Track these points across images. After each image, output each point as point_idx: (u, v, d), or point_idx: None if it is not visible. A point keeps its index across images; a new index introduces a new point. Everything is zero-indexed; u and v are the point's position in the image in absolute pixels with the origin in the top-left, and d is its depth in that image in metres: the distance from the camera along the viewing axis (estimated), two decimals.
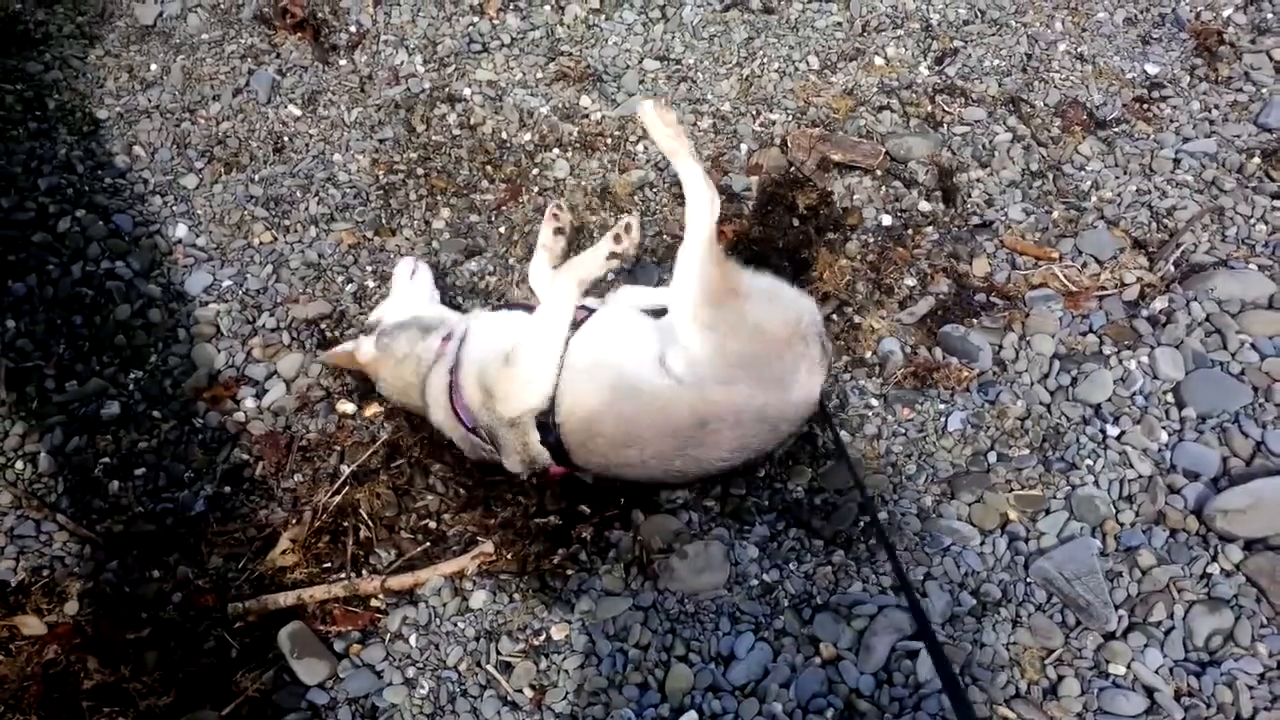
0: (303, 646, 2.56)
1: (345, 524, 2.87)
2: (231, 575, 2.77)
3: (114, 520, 2.92)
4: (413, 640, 2.60)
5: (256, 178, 3.89)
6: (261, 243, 3.67)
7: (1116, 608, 2.51)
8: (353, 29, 4.48)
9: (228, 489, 2.99)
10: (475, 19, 4.48)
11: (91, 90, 4.21)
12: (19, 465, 3.02)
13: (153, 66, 4.31)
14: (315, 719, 2.46)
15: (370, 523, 2.88)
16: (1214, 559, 2.55)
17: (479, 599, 2.66)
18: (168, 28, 4.49)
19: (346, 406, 3.18)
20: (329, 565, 2.79)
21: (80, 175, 3.80)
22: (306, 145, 4.03)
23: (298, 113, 4.15)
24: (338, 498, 2.91)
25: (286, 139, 4.05)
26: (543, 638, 2.61)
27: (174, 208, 3.77)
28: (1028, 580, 2.57)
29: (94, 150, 3.94)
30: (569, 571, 2.74)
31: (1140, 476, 2.77)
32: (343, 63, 4.36)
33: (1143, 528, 2.66)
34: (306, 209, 3.76)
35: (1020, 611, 2.52)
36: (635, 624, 2.57)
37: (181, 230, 3.68)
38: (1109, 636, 2.47)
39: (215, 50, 4.36)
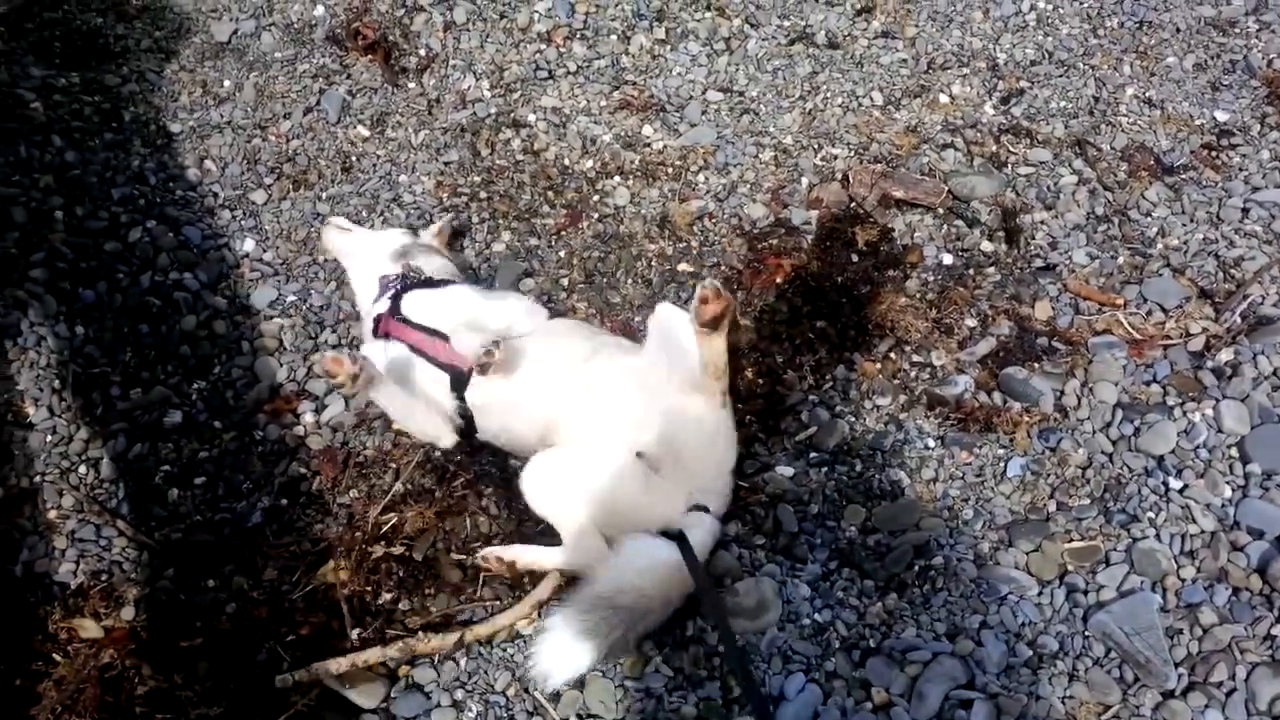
0: (352, 678, 2.56)
1: (398, 542, 2.89)
2: (285, 588, 2.79)
3: (172, 528, 2.96)
4: (462, 664, 2.61)
5: (324, 196, 3.95)
6: (326, 260, 3.71)
7: (1176, 665, 2.45)
8: (422, 52, 4.54)
9: (284, 502, 3.03)
10: (542, 46, 4.53)
11: (166, 104, 4.30)
12: (82, 470, 3.07)
13: (226, 83, 4.40)
14: None
15: (423, 544, 2.89)
16: (1278, 620, 2.49)
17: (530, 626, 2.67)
18: (242, 45, 4.58)
19: None
20: (380, 584, 2.80)
21: (152, 187, 3.87)
22: (374, 165, 4.09)
23: (366, 133, 4.21)
24: (393, 515, 2.93)
25: (354, 159, 4.11)
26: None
27: (242, 222, 3.84)
28: (1086, 633, 2.53)
29: (166, 163, 4.02)
30: None
31: (1203, 532, 2.71)
32: (411, 85, 4.43)
33: (1204, 584, 2.61)
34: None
35: (1077, 665, 2.47)
36: (684, 657, 2.56)
37: (249, 245, 3.75)
38: (1168, 695, 2.42)
39: (288, 69, 4.44)
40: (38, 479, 3.00)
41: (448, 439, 3.09)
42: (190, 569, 2.85)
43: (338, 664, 2.60)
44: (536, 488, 2.77)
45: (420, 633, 2.68)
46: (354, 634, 2.67)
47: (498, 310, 3.09)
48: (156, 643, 2.67)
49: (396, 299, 3.15)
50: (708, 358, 2.70)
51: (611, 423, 2.80)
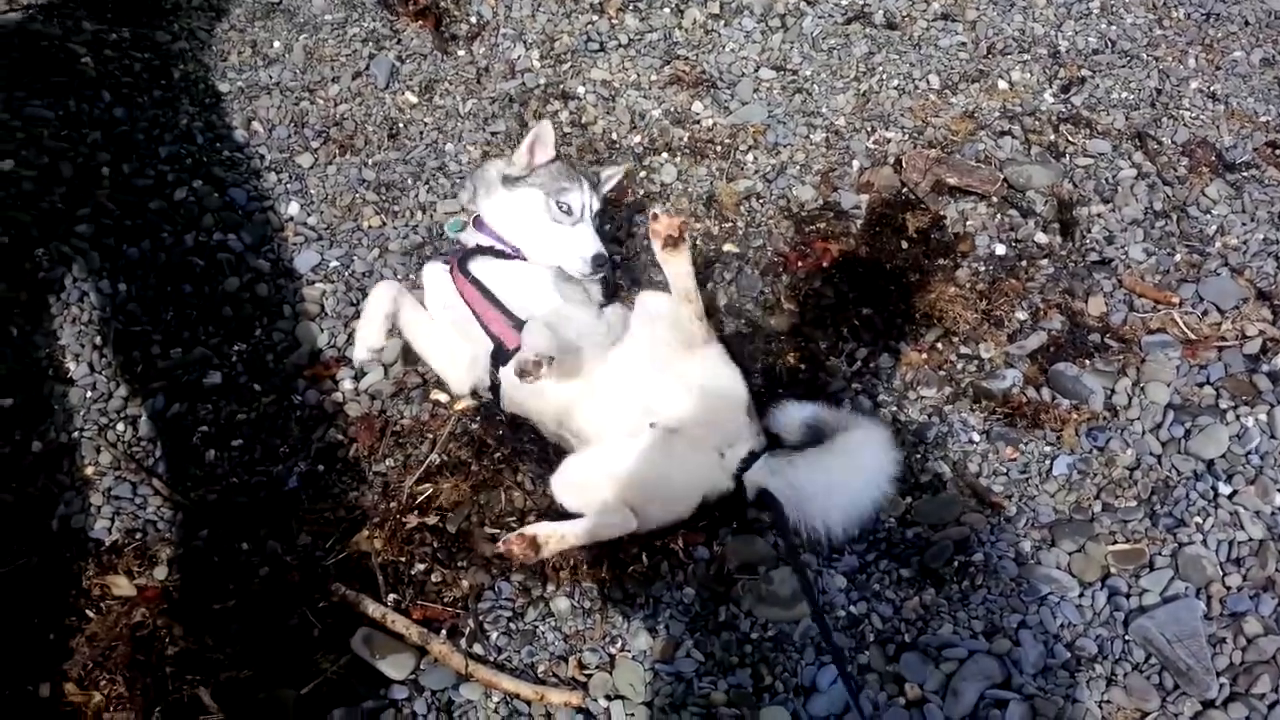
0: (381, 648, 2.55)
1: (432, 513, 2.87)
2: (319, 554, 2.79)
3: (208, 489, 2.95)
4: (492, 638, 2.60)
5: (370, 162, 3.93)
6: (370, 226, 3.70)
7: (1218, 675, 2.40)
8: (473, 20, 4.50)
9: (320, 467, 3.01)
10: (594, 18, 4.47)
11: (215, 63, 4.28)
12: (120, 427, 3.07)
13: (276, 44, 4.38)
14: (392, 708, 2.46)
15: (457, 516, 2.87)
16: None
17: (561, 604, 2.65)
18: (292, 6, 4.56)
19: (440, 396, 3.19)
20: (413, 555, 2.79)
21: (199, 146, 3.86)
22: (420, 133, 4.05)
23: (414, 100, 4.18)
24: (427, 486, 2.92)
25: (401, 125, 4.08)
26: (619, 645, 2.59)
27: (288, 185, 3.82)
28: (1126, 638, 2.48)
29: (214, 122, 4.00)
30: (651, 584, 2.71)
31: (1251, 539, 2.66)
32: (461, 53, 4.39)
33: (1250, 593, 2.55)
34: (416, 196, 3.78)
35: (1116, 670, 2.43)
36: (715, 643, 2.54)
37: (294, 208, 3.73)
38: (1208, 704, 2.37)
39: (338, 32, 4.41)
40: (76, 435, 3.00)
41: (460, 388, 3.17)
42: (224, 531, 2.84)
43: (376, 607, 2.62)
44: (567, 492, 2.82)
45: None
46: (389, 599, 2.67)
47: (580, 323, 3.01)
48: (188, 603, 2.67)
49: (464, 260, 3.15)
50: (674, 280, 2.81)
51: (619, 404, 2.91)
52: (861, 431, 2.83)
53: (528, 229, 3.15)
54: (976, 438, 3.00)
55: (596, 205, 3.21)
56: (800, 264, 3.58)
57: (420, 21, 4.47)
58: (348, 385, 3.22)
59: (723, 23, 4.49)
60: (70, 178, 3.50)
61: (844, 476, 2.75)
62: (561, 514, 2.84)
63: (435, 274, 3.21)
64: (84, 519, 2.84)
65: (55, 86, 3.80)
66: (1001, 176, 3.75)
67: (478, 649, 2.57)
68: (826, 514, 2.72)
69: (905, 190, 3.78)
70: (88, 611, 2.63)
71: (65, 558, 2.74)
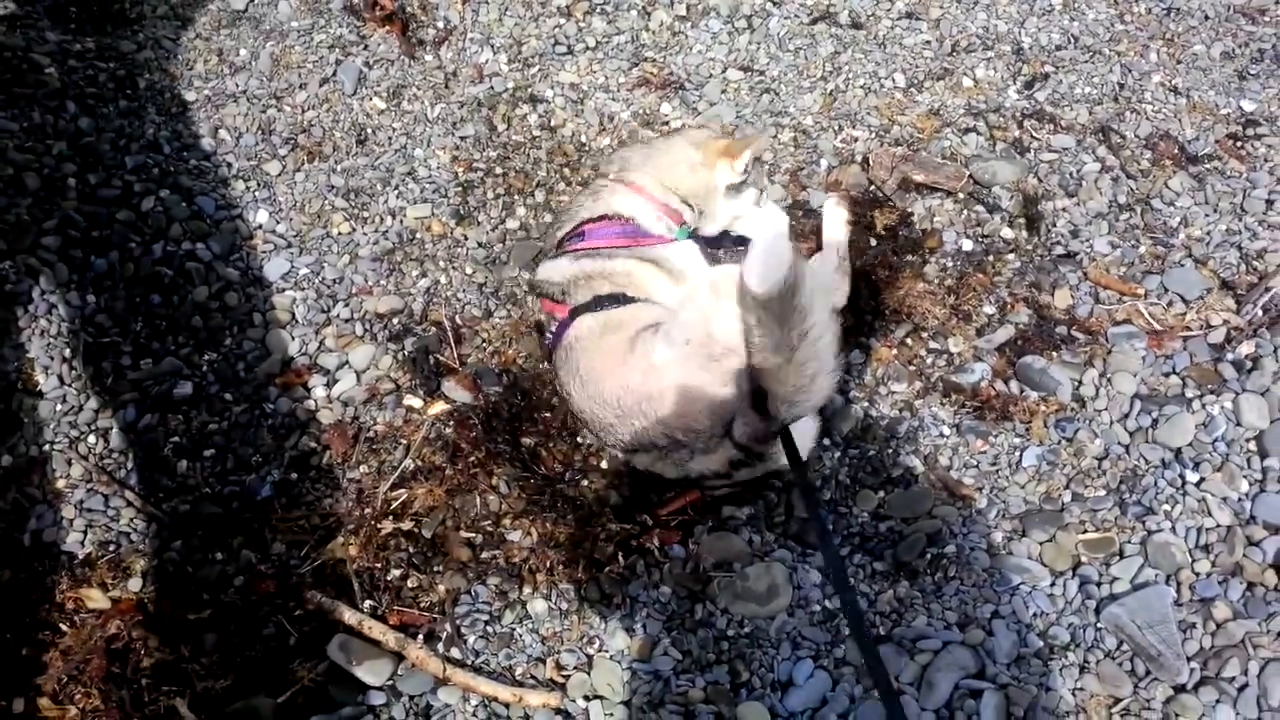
0: (358, 654, 2.56)
1: (408, 519, 2.87)
2: (293, 563, 2.79)
3: (181, 500, 2.94)
4: (470, 641, 2.60)
5: (338, 168, 3.92)
6: (340, 232, 3.69)
7: (1189, 660, 2.43)
8: (440, 25, 4.50)
9: (294, 475, 3.01)
10: (562, 21, 4.48)
11: (181, 72, 4.26)
12: (91, 439, 3.05)
13: (242, 52, 4.36)
14: (370, 714, 2.46)
15: (432, 521, 2.87)
16: None
17: (538, 606, 2.66)
18: (258, 14, 4.54)
19: (414, 401, 3.19)
20: (388, 561, 2.79)
21: (166, 155, 3.84)
22: (389, 139, 4.05)
23: (382, 106, 4.17)
24: (402, 492, 2.92)
25: (370, 131, 4.07)
26: (596, 646, 2.60)
27: (256, 193, 3.80)
28: (1098, 625, 2.51)
29: (181, 131, 3.99)
30: (627, 583, 2.72)
31: (1219, 526, 2.69)
32: (429, 58, 4.38)
33: (1219, 579, 2.58)
34: (385, 202, 3.78)
35: (1089, 657, 2.45)
36: (692, 642, 2.55)
37: (262, 216, 3.72)
38: (1179, 689, 2.40)
39: (304, 39, 4.40)
40: (47, 448, 2.99)
41: None
42: (198, 541, 2.84)
43: (352, 614, 2.62)
44: None
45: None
46: (365, 606, 2.67)
47: None
48: (163, 614, 2.67)
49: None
50: None
51: None
52: None
53: (742, 219, 3.47)
54: (947, 431, 3.03)
55: None
56: None
57: (387, 27, 4.46)
58: (320, 393, 3.21)
59: (689, 24, 4.51)
60: (36, 189, 3.47)
61: None
62: (536, 516, 2.85)
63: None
64: (56, 532, 2.83)
65: (18, 98, 3.77)
66: (967, 173, 3.78)
67: (455, 653, 2.58)
68: None
69: (873, 188, 3.81)
70: (61, 625, 2.62)
71: (38, 571, 2.73)
